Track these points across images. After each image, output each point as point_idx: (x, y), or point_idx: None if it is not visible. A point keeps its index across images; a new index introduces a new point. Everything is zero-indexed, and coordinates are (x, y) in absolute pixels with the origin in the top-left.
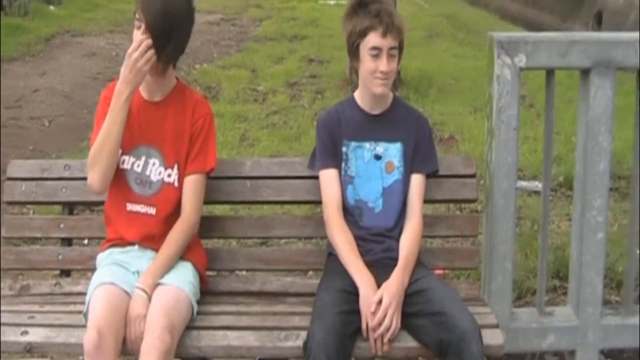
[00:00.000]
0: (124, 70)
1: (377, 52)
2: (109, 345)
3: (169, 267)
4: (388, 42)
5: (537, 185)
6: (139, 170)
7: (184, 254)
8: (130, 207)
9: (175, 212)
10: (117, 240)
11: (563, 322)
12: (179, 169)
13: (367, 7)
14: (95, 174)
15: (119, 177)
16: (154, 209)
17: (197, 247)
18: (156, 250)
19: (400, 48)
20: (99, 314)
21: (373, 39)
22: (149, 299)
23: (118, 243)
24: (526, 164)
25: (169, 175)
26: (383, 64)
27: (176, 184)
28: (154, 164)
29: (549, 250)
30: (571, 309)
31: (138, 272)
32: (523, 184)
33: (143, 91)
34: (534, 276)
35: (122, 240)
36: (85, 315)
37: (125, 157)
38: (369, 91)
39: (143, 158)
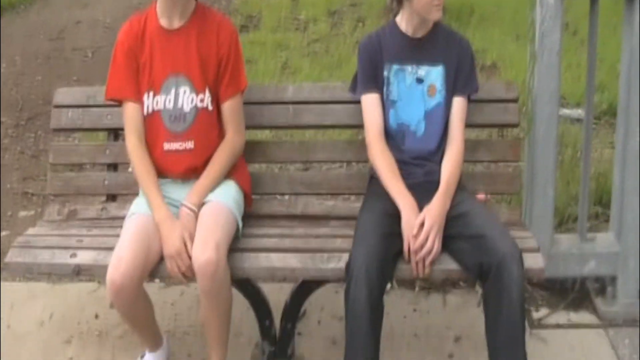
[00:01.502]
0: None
1: None
2: (131, 288)
3: (214, 187)
4: None
5: (580, 113)
6: (170, 106)
7: (228, 174)
8: (168, 146)
9: (213, 139)
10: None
11: (604, 248)
12: (210, 92)
13: None
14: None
15: (152, 120)
16: (192, 143)
17: (241, 167)
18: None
19: None
20: (126, 253)
21: None
22: (196, 217)
23: (159, 174)
24: (569, 91)
25: (202, 101)
26: None
27: (210, 107)
28: (184, 92)
29: (591, 177)
30: (613, 236)
31: (175, 201)
32: (566, 111)
33: (162, 18)
34: (575, 203)
35: (162, 175)
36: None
37: (157, 98)
38: (416, 17)
39: (172, 90)
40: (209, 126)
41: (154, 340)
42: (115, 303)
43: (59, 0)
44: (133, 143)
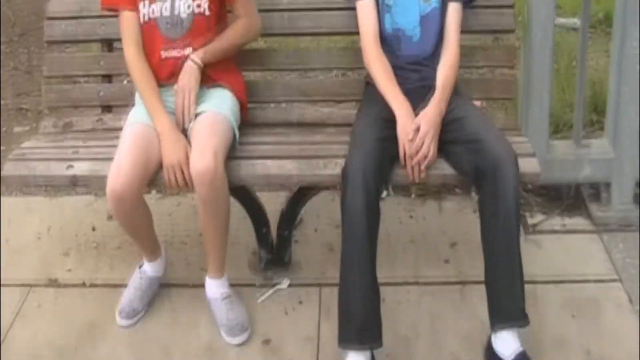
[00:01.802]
0: (171, 158)
1: None
2: (131, 196)
3: (225, 53)
4: None
5: (576, 22)
6: (167, 13)
7: (222, 81)
8: (165, 54)
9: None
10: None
11: (599, 154)
12: None
13: None
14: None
15: (148, 28)
16: (190, 49)
17: (235, 75)
18: None
19: None
20: (124, 162)
21: None
22: (200, 71)
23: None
24: (566, 0)
25: (199, 6)
26: None
27: (207, 12)
28: None
29: (587, 85)
30: (607, 141)
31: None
32: (562, 20)
33: None
34: (571, 111)
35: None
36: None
37: (153, 6)
38: None
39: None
40: (206, 31)
41: (152, 249)
42: (115, 212)
43: None
44: (132, 52)
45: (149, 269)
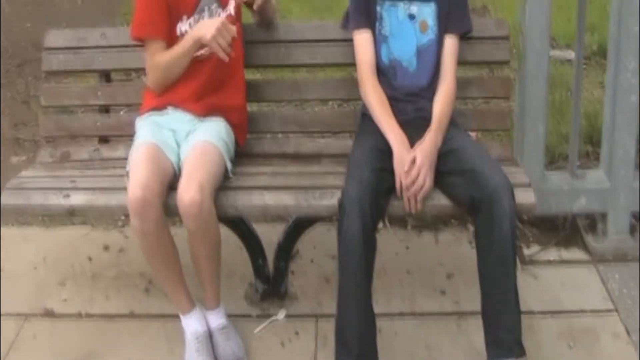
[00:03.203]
0: (210, 28)
1: None
2: (153, 202)
3: None
4: None
5: (571, 53)
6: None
7: (217, 111)
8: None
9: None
10: (156, 105)
11: (595, 185)
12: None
13: None
14: (156, 82)
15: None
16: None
17: (239, 103)
18: (191, 112)
19: None
20: (142, 171)
21: None
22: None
23: (156, 107)
24: (560, 32)
25: (225, 10)
26: None
27: (232, 12)
28: (214, 9)
29: (582, 116)
30: (603, 172)
31: (173, 131)
32: (557, 52)
33: None
34: (566, 142)
35: (160, 104)
36: (128, 174)
37: (190, 19)
38: None
39: (205, 12)
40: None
41: (187, 295)
42: (138, 224)
43: None
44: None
45: (194, 321)
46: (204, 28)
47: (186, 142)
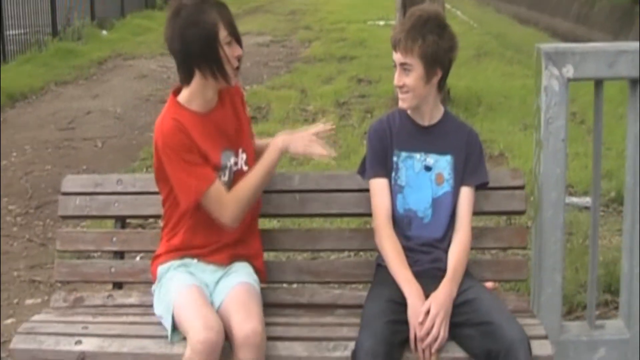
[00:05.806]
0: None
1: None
2: (219, 342)
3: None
4: (397, 57)
5: (588, 201)
6: (225, 178)
7: (241, 257)
8: None
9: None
10: (181, 255)
11: (614, 335)
12: (245, 152)
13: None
14: (240, 215)
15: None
16: None
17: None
18: (215, 263)
19: (429, 66)
20: (202, 313)
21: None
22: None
23: (181, 257)
24: (577, 179)
25: (236, 163)
26: (395, 77)
27: (244, 167)
28: (232, 161)
29: (600, 265)
30: (622, 322)
31: (202, 278)
32: (574, 199)
33: (197, 106)
34: (584, 291)
35: (185, 255)
36: (168, 320)
37: (220, 173)
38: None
39: (227, 168)
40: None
41: None
42: None
43: (70, 91)
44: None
45: None
46: (294, 137)
47: (217, 288)
